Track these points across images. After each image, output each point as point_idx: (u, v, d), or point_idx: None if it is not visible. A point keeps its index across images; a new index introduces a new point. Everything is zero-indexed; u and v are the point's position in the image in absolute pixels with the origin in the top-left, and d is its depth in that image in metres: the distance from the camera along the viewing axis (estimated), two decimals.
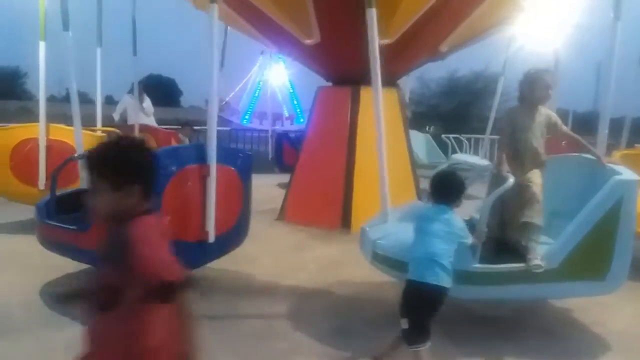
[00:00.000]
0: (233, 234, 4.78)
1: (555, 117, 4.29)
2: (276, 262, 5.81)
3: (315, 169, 7.74)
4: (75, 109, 5.51)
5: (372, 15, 4.12)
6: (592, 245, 3.72)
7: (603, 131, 4.33)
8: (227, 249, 4.86)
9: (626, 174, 3.86)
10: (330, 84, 8.00)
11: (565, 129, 4.39)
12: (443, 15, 6.47)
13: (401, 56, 6.96)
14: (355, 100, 7.40)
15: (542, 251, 3.79)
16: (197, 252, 4.36)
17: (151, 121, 10.35)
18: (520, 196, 4.00)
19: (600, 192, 3.73)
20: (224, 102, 20.98)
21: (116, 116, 10.22)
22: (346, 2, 6.02)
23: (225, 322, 4.22)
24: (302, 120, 23.98)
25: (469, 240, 3.45)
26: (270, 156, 14.22)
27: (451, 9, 6.44)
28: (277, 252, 6.22)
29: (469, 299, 4.09)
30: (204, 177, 4.26)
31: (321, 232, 7.02)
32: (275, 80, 20.79)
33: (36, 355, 3.58)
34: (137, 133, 10.14)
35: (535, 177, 4.03)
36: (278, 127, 20.38)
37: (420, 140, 12.49)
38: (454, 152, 13.54)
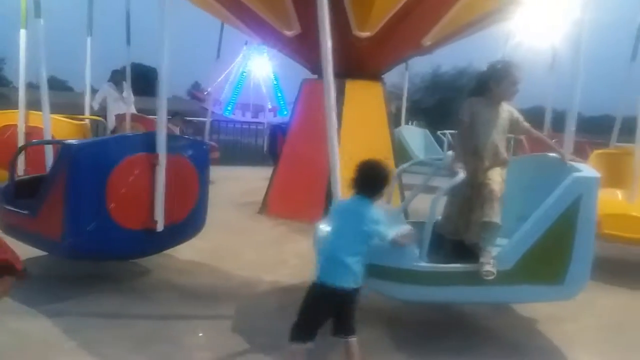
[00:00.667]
0: (187, 224, 4.69)
1: (517, 114, 4.05)
2: (257, 257, 5.67)
3: (298, 162, 7.58)
4: (44, 95, 5.45)
5: None
6: (549, 246, 3.47)
7: (570, 128, 4.07)
8: (180, 238, 4.78)
9: (587, 171, 3.62)
10: (315, 76, 7.79)
11: (528, 126, 4.11)
12: (424, 8, 6.23)
13: (383, 50, 6.76)
14: (341, 93, 7.20)
15: (496, 254, 3.55)
16: (145, 240, 4.29)
17: (131, 110, 10.06)
18: (478, 195, 3.79)
19: (558, 190, 3.48)
20: (205, 93, 20.45)
21: (95, 105, 10.07)
22: None
23: (205, 317, 4.11)
24: (285, 112, 23.67)
25: (387, 236, 3.11)
26: (265, 148, 14.03)
27: (432, 1, 6.20)
28: (258, 246, 6.10)
29: (416, 301, 3.81)
30: (153, 166, 4.14)
31: (303, 226, 6.80)
32: (259, 71, 20.35)
33: (11, 346, 3.48)
34: (128, 122, 10.09)
35: (495, 175, 3.81)
36: (273, 119, 20.11)
37: (418, 136, 12.08)
38: (450, 148, 13.24)
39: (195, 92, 18.48)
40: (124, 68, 9.61)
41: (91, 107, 9.69)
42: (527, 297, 3.75)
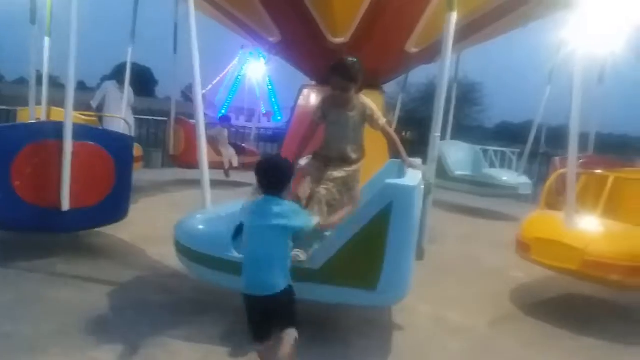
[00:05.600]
0: (100, 209, 5.42)
1: (371, 109, 4.12)
2: None
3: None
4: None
5: None
6: (358, 251, 3.62)
7: (434, 134, 4.22)
8: (93, 223, 5.60)
9: (407, 179, 3.71)
10: (313, 82, 8.16)
11: (383, 123, 4.15)
12: (393, 10, 6.34)
13: (364, 56, 6.96)
14: None
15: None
16: (52, 217, 5.08)
17: (129, 112, 10.26)
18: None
19: (371, 196, 3.63)
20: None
21: (94, 104, 10.15)
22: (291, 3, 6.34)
23: (210, 305, 4.48)
24: (279, 117, 23.71)
25: (311, 220, 3.44)
26: None
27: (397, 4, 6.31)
28: None
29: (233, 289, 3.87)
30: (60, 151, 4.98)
31: None
32: (254, 75, 20.64)
33: None
34: (172, 124, 10.93)
35: (336, 176, 4.08)
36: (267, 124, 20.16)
37: (462, 152, 11.81)
38: (493, 166, 12.92)
39: (189, 94, 19.35)
40: (120, 67, 10.13)
41: (89, 106, 9.97)
42: (340, 298, 3.86)
